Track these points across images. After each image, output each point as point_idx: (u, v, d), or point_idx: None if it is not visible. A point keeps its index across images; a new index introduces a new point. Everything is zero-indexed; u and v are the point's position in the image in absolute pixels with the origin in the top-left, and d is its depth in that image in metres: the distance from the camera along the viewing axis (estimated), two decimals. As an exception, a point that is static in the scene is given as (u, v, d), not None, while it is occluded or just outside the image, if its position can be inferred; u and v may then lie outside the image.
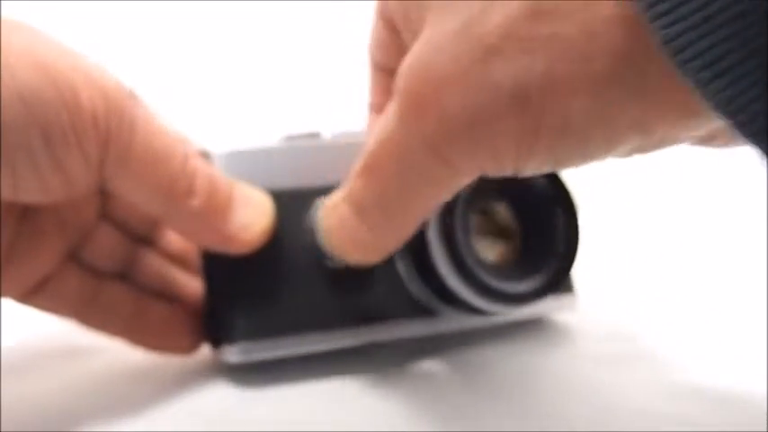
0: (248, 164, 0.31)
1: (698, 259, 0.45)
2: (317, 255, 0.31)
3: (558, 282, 0.30)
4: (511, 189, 0.30)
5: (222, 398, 0.30)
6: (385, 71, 0.30)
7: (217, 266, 0.31)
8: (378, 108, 0.31)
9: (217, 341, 0.32)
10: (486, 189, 0.29)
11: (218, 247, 0.30)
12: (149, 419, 0.29)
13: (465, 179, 0.25)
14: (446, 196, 0.26)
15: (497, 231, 0.32)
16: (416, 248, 0.30)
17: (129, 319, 0.32)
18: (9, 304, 0.36)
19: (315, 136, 0.32)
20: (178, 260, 0.34)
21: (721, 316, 0.38)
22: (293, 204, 0.31)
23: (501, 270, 0.31)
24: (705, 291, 0.41)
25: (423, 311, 0.32)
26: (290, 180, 0.31)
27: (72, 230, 0.31)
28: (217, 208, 0.29)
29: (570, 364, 0.33)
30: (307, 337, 0.31)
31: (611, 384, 0.31)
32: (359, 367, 0.32)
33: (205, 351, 0.33)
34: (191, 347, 0.33)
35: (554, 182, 0.30)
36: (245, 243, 0.30)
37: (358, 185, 0.27)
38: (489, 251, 0.31)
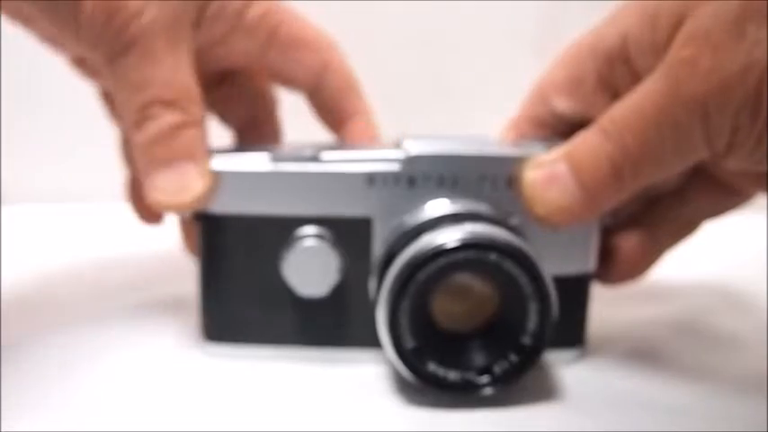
0: (236, 185, 0.32)
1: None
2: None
3: (506, 380, 0.30)
4: (492, 274, 0.30)
5: (221, 397, 0.31)
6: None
7: (207, 272, 0.33)
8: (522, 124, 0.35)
9: (202, 328, 0.34)
10: (466, 265, 0.29)
11: None
12: (149, 419, 0.29)
13: (703, 148, 0.28)
14: (675, 168, 0.29)
15: (472, 299, 0.31)
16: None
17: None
18: (9, 305, 0.37)
19: (313, 159, 0.31)
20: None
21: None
22: (276, 230, 0.32)
23: (456, 338, 0.31)
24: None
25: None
26: (275, 207, 0.32)
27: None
28: None
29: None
30: (272, 349, 0.34)
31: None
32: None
33: (205, 359, 0.34)
34: None
35: (535, 279, 0.29)
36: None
37: (588, 144, 0.29)
38: (454, 314, 0.31)
